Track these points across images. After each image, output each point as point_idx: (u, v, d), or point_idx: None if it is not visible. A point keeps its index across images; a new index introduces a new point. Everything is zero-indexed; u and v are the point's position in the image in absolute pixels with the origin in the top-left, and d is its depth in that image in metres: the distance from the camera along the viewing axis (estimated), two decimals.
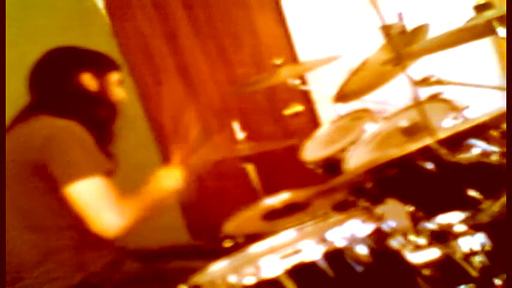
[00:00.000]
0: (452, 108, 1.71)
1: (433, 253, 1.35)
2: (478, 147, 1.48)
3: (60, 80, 1.86)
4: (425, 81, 1.71)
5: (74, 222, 1.71)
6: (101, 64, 1.91)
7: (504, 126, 1.47)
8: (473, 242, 1.34)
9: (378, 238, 1.31)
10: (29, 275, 1.71)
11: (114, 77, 1.92)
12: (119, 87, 1.94)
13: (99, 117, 1.85)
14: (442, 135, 1.43)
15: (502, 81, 2.97)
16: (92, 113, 1.83)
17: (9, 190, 1.74)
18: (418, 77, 1.71)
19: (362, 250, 1.27)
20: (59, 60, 1.90)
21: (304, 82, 3.08)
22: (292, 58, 3.24)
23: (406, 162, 1.50)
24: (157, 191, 1.84)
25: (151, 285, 1.78)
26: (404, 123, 1.76)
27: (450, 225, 1.39)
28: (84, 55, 1.92)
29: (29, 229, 1.74)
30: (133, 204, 1.74)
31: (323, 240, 1.29)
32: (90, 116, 1.81)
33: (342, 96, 1.97)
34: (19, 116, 1.84)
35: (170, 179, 1.87)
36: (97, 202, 1.67)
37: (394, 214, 1.46)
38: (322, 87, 2.71)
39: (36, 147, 1.70)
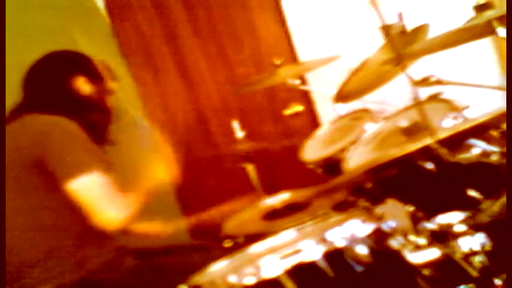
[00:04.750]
0: (452, 108, 1.71)
1: (433, 253, 1.35)
2: (478, 147, 1.48)
3: (51, 81, 1.88)
4: (425, 81, 1.71)
5: (73, 221, 1.72)
6: (96, 70, 1.93)
7: (504, 126, 1.47)
8: (473, 242, 1.34)
9: (378, 238, 1.31)
10: (29, 274, 1.71)
11: (109, 85, 1.95)
12: (113, 96, 1.97)
13: (89, 121, 1.85)
14: (442, 135, 1.43)
15: (502, 81, 2.97)
16: (81, 116, 1.84)
17: (8, 189, 1.74)
18: (418, 77, 1.71)
19: (362, 250, 1.27)
20: (53, 62, 1.92)
21: (304, 82, 3.08)
22: (292, 58, 3.24)
23: (406, 162, 1.50)
24: (153, 181, 1.89)
25: (150, 283, 1.78)
26: (404, 123, 1.76)
27: (450, 225, 1.38)
28: (79, 59, 1.94)
29: (28, 228, 1.74)
30: (133, 197, 1.78)
31: (323, 240, 1.29)
32: (79, 118, 1.81)
33: (342, 96, 1.97)
34: (9, 115, 1.84)
35: (163, 168, 1.93)
36: (99, 198, 1.70)
37: (394, 214, 1.46)
38: (322, 87, 2.71)
39: (32, 143, 1.71)
